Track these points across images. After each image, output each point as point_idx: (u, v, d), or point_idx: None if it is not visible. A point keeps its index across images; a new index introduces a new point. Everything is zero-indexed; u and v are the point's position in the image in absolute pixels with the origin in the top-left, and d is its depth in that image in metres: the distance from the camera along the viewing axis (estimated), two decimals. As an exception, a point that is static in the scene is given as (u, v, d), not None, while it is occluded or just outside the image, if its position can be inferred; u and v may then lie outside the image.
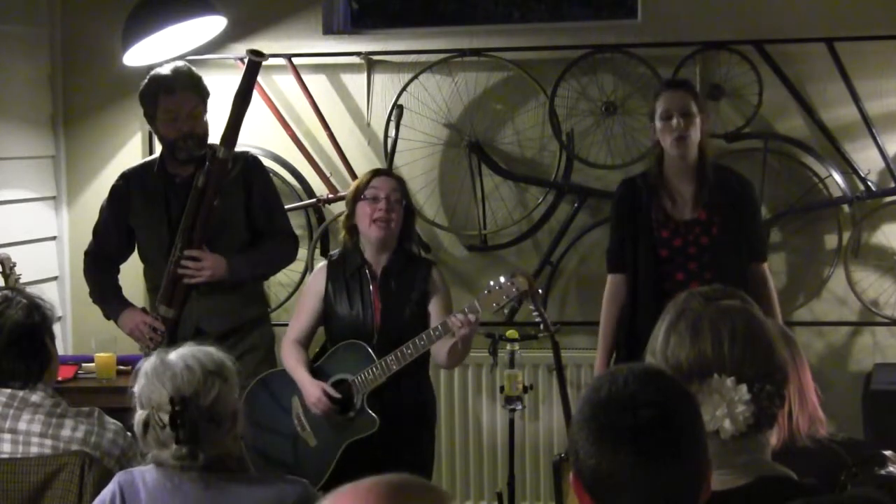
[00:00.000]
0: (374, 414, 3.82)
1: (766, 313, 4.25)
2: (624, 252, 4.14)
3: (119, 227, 4.28)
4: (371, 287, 3.92)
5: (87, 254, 4.37)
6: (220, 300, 4.16)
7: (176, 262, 4.10)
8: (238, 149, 4.23)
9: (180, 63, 4.29)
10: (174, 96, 4.09)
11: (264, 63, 4.54)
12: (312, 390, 3.87)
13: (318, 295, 4.00)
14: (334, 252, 4.09)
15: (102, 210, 4.32)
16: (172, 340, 4.11)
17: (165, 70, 4.17)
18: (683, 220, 4.07)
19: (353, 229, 3.97)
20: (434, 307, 3.92)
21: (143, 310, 4.26)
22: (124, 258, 4.37)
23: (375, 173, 4.02)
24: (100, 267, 4.34)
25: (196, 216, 4.08)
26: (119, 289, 4.35)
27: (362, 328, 3.89)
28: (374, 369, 3.81)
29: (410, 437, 3.92)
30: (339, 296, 3.95)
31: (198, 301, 4.16)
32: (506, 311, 3.93)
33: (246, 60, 4.15)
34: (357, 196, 3.94)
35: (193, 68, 4.26)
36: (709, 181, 4.04)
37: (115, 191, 4.29)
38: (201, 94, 4.16)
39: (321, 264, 4.08)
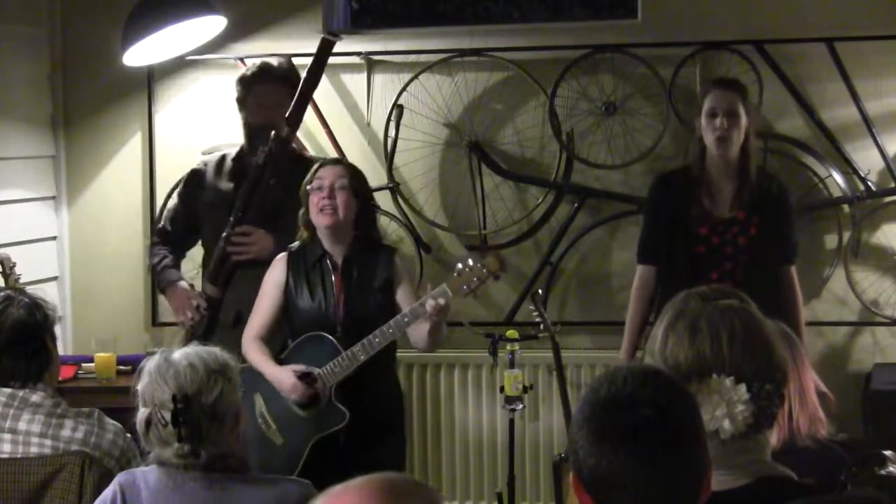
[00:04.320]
0: (343, 408, 3.70)
1: (793, 315, 4.22)
2: (656, 244, 4.14)
3: (187, 216, 4.36)
4: (333, 277, 3.83)
5: (153, 234, 4.52)
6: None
7: (226, 238, 4.14)
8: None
9: (283, 59, 4.43)
10: (266, 86, 4.22)
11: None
12: (285, 379, 3.73)
13: (279, 286, 3.87)
14: (294, 244, 3.95)
15: (176, 195, 4.49)
16: (213, 322, 4.20)
17: (272, 61, 4.34)
18: (722, 217, 4.08)
19: (310, 223, 3.88)
20: (402, 295, 3.84)
21: (191, 286, 4.34)
22: (189, 247, 4.48)
23: (323, 163, 3.93)
24: (165, 246, 4.42)
25: (251, 194, 4.11)
26: (178, 262, 4.42)
27: (325, 320, 3.79)
28: (341, 360, 3.69)
29: (378, 436, 3.79)
30: (299, 288, 3.84)
31: (242, 287, 4.14)
32: (477, 293, 3.87)
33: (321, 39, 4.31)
34: (307, 189, 3.87)
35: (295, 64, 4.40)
36: (750, 181, 4.05)
37: (189, 177, 4.38)
38: (290, 88, 4.25)
39: (280, 255, 3.94)
